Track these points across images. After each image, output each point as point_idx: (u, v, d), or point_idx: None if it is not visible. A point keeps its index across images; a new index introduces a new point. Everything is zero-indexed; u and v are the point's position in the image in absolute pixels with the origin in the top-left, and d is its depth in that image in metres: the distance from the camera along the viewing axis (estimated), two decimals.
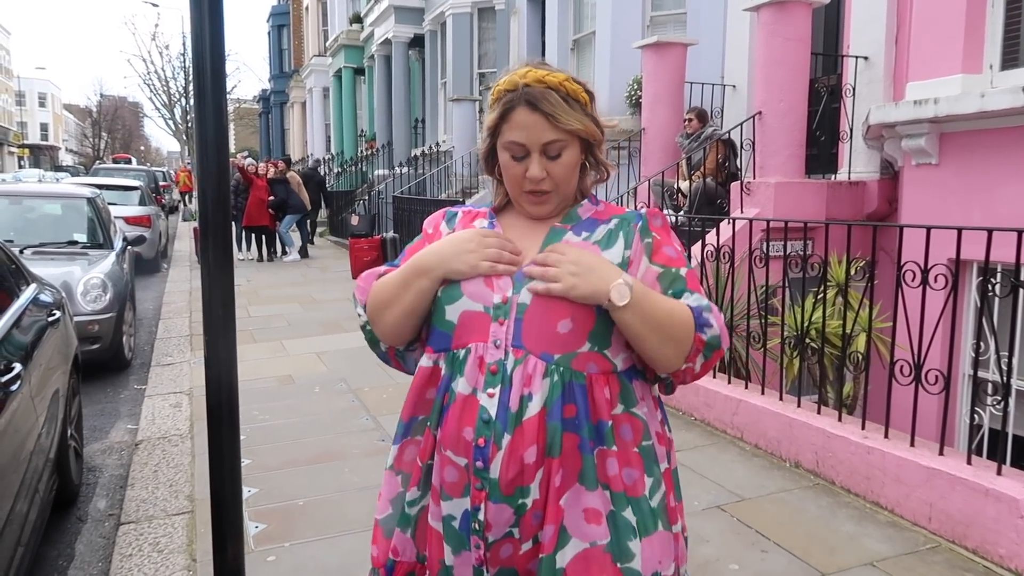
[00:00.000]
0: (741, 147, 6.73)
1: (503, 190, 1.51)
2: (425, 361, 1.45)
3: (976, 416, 4.26)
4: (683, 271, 1.41)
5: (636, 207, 7.52)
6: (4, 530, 2.29)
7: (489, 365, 1.36)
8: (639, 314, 1.31)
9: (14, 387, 2.63)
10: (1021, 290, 3.05)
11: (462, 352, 1.39)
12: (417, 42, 17.34)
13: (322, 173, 18.84)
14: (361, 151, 20.36)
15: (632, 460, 1.37)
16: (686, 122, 7.36)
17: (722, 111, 7.89)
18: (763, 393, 4.30)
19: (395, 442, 1.51)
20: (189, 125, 32.66)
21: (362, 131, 21.81)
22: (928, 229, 3.28)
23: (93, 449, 4.51)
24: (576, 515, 1.33)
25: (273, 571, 2.94)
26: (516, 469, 1.32)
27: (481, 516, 1.35)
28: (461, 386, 1.37)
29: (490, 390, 1.35)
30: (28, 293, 3.60)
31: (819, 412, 3.91)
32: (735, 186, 6.33)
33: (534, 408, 1.32)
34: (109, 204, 8.34)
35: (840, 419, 3.78)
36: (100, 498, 3.88)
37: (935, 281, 3.27)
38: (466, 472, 1.36)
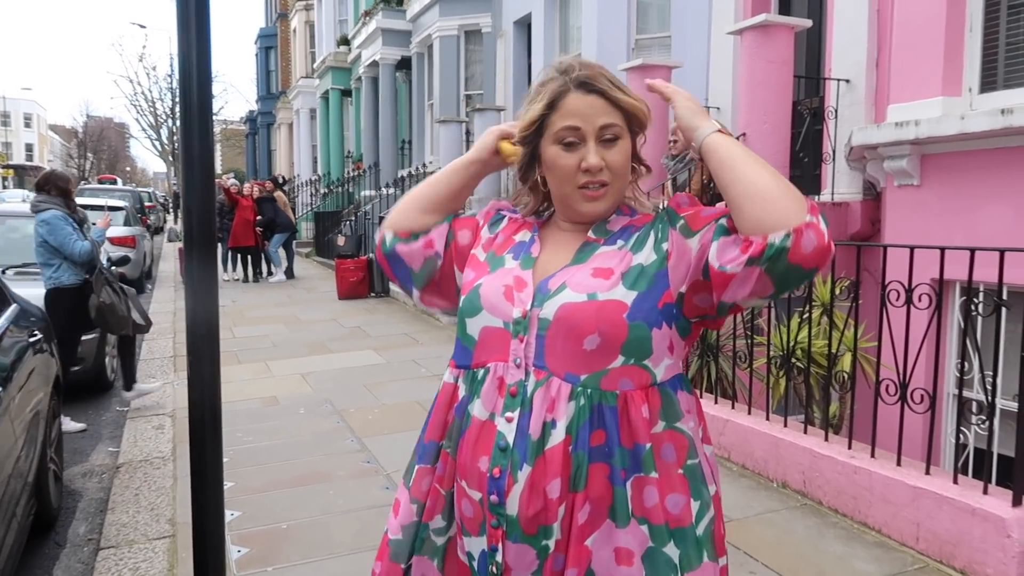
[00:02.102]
0: None
1: (535, 199, 1.42)
2: (448, 376, 1.36)
3: (961, 435, 4.28)
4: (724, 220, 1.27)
5: None
6: None
7: (509, 387, 1.24)
8: (734, 143, 1.25)
9: None
10: (1004, 309, 3.08)
11: (481, 372, 1.29)
12: (404, 64, 17.43)
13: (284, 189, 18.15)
14: (348, 172, 20.37)
15: (676, 484, 1.23)
16: (671, 143, 7.41)
17: None
18: (750, 413, 4.30)
19: (416, 462, 1.40)
20: (175, 146, 32.63)
21: (349, 152, 21.83)
22: (912, 249, 3.31)
23: (73, 472, 4.44)
24: (606, 557, 1.20)
25: None
26: (538, 505, 1.20)
27: (499, 558, 1.23)
28: (477, 410, 1.27)
29: (508, 414, 1.23)
30: (8, 314, 3.56)
31: (806, 432, 3.91)
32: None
33: (558, 436, 1.20)
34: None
35: (827, 439, 3.78)
36: (80, 522, 3.81)
37: (919, 300, 3.29)
38: (480, 508, 1.25)
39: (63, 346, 5.05)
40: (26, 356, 3.40)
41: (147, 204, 22.76)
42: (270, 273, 13.31)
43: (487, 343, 1.29)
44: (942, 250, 3.21)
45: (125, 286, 5.40)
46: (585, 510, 1.20)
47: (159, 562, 3.15)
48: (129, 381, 5.46)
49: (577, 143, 1.28)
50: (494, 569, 1.24)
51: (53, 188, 5.19)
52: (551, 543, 1.20)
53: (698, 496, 1.25)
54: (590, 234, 1.34)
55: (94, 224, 5.70)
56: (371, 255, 11.54)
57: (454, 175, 1.47)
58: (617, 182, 1.31)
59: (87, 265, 5.05)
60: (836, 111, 6.41)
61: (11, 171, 54.75)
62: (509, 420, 1.23)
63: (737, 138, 4.92)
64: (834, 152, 6.40)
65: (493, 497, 1.22)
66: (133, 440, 4.72)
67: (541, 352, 1.24)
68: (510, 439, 1.22)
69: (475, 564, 1.28)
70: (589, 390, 1.21)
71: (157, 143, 39.57)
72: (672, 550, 1.21)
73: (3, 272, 5.57)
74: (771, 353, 4.29)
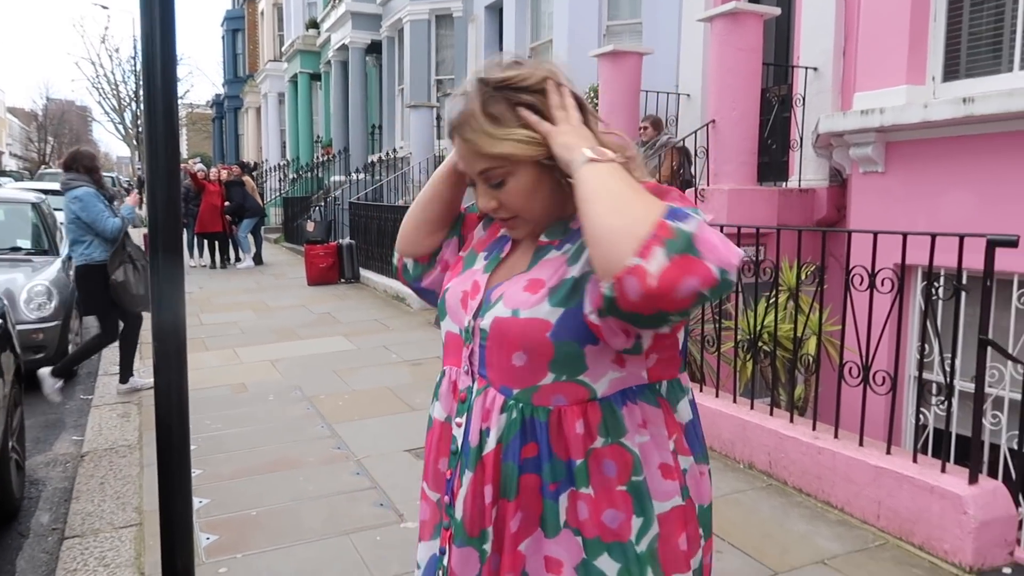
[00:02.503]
0: (695, 155, 6.83)
1: None
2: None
3: (921, 416, 4.38)
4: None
5: None
6: None
7: (460, 392, 1.26)
8: (597, 175, 1.09)
9: None
10: (963, 293, 3.15)
11: (440, 375, 1.32)
12: (374, 48, 17.26)
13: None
14: (317, 157, 20.15)
15: (616, 500, 1.18)
16: (641, 130, 7.45)
17: (677, 119, 8.01)
18: (717, 396, 4.36)
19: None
20: (139, 130, 31.97)
21: (318, 137, 21.61)
22: (875, 234, 3.37)
23: (36, 462, 4.37)
24: (537, 564, 1.21)
25: None
26: (478, 508, 1.22)
27: (446, 561, 1.24)
28: (437, 411, 1.30)
29: (458, 419, 1.26)
30: None
31: (772, 414, 3.98)
32: (689, 193, 6.43)
33: (490, 444, 1.21)
34: (55, 210, 8.10)
35: (792, 420, 3.85)
36: (43, 512, 3.75)
37: (882, 285, 3.35)
38: (438, 509, 1.28)
39: (102, 322, 5.18)
40: None
41: (111, 189, 22.31)
42: (238, 259, 13.15)
43: (449, 347, 1.31)
44: (904, 235, 3.28)
45: (146, 264, 5.42)
46: (517, 517, 1.21)
47: (126, 551, 3.11)
48: (125, 373, 5.40)
49: (475, 183, 1.26)
50: (441, 573, 1.26)
51: (80, 166, 5.23)
52: (488, 547, 1.22)
53: (641, 513, 1.19)
54: (543, 237, 1.27)
55: (124, 202, 5.79)
56: (340, 241, 11.45)
57: (442, 188, 1.42)
58: (525, 214, 1.24)
59: (114, 242, 5.12)
60: (804, 99, 6.48)
61: None
62: (459, 425, 1.26)
63: (707, 125, 4.90)
64: (801, 139, 6.49)
65: (446, 498, 1.26)
66: (98, 428, 4.65)
67: (483, 362, 1.24)
68: (459, 443, 1.25)
69: (423, 573, 1.30)
70: (521, 404, 1.19)
71: (120, 127, 38.75)
72: (607, 564, 1.18)
73: None
74: (738, 337, 4.34)
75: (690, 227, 1.01)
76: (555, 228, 1.26)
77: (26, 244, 6.72)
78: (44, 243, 6.80)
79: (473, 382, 1.25)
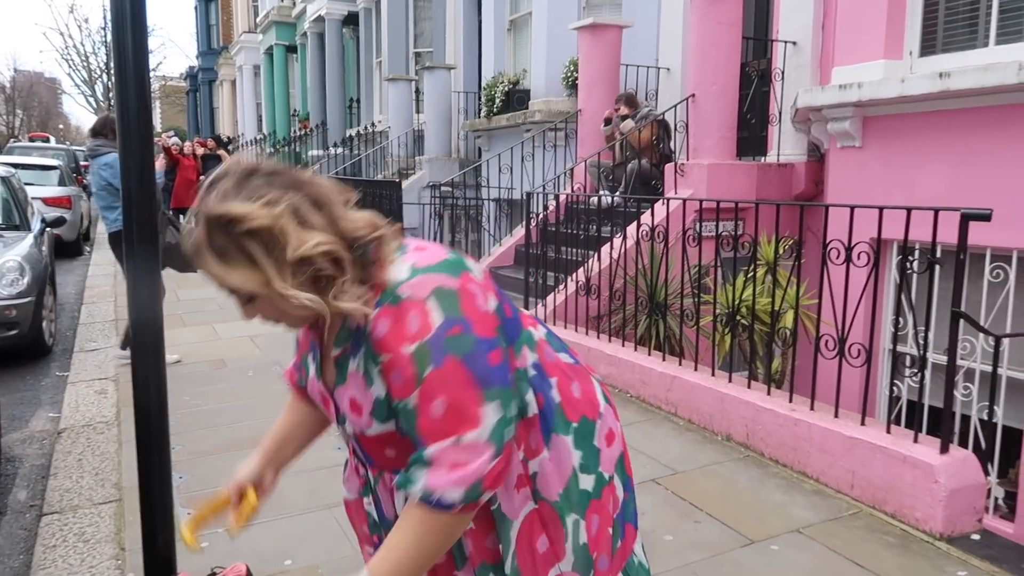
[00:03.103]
0: (675, 129, 6.83)
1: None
2: None
3: (895, 388, 4.46)
4: (412, 401, 1.17)
5: (572, 188, 7.60)
6: None
7: (361, 476, 1.46)
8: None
9: None
10: (937, 267, 3.20)
11: (345, 461, 1.54)
12: (352, 20, 17.00)
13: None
14: (294, 131, 19.90)
15: (487, 527, 1.35)
16: (616, 108, 7.40)
17: (656, 93, 7.99)
18: (696, 369, 4.41)
19: None
20: (111, 103, 31.35)
21: (295, 111, 21.32)
22: (852, 208, 3.40)
23: (12, 439, 4.33)
24: None
25: (206, 557, 2.87)
26: None
27: None
28: (346, 492, 1.54)
29: (367, 498, 1.47)
30: None
31: (749, 387, 4.04)
32: (669, 167, 6.43)
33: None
34: (26, 184, 7.95)
35: (769, 393, 3.90)
36: (20, 489, 3.72)
37: (858, 259, 3.39)
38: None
39: None
40: None
41: (83, 163, 21.90)
42: None
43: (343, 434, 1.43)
44: (880, 209, 3.31)
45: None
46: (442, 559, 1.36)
47: (105, 526, 3.11)
48: (127, 342, 5.37)
49: None
50: None
51: (110, 132, 5.21)
52: None
53: (503, 539, 1.33)
54: (334, 349, 1.32)
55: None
56: None
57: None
58: (286, 322, 1.29)
59: None
60: (783, 73, 6.49)
61: None
62: (369, 503, 1.47)
63: (687, 100, 4.88)
64: (780, 114, 6.50)
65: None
66: (75, 405, 4.61)
67: (366, 455, 1.40)
68: (376, 516, 1.46)
69: None
70: None
71: (92, 99, 38.04)
72: None
73: None
74: (717, 311, 4.38)
75: (450, 493, 1.15)
76: (340, 335, 1.30)
77: None
78: (15, 218, 6.68)
79: (366, 469, 1.43)
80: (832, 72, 5.45)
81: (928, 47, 5.02)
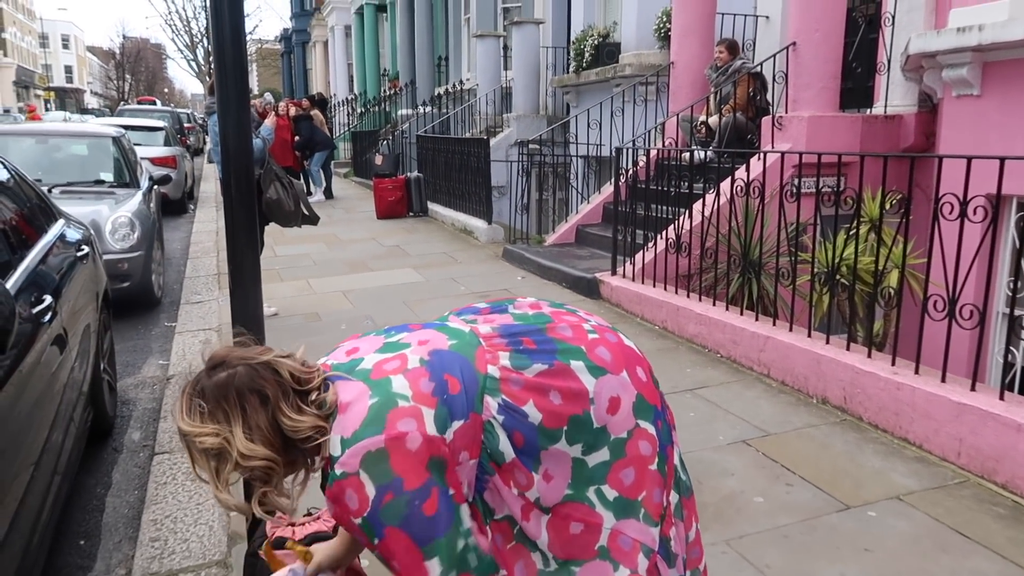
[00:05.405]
0: (773, 80, 6.52)
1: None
2: None
3: (1010, 354, 4.19)
4: (377, 554, 1.39)
5: (664, 143, 7.41)
6: (41, 459, 2.35)
7: None
8: None
9: (45, 319, 2.66)
10: None
11: None
12: None
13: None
14: (384, 91, 20.12)
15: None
16: (717, 54, 7.14)
17: (754, 44, 7.64)
18: (791, 330, 4.25)
19: None
20: (212, 67, 32.43)
21: (385, 70, 21.52)
22: (969, 160, 3.17)
23: (126, 384, 4.61)
24: None
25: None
26: None
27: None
28: None
29: None
30: (56, 229, 3.63)
31: (848, 349, 3.87)
32: (766, 120, 6.16)
33: None
34: (135, 145, 8.35)
35: (870, 355, 3.73)
36: (134, 430, 3.97)
37: (974, 214, 3.17)
38: None
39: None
40: (75, 270, 3.48)
41: (186, 125, 22.86)
42: (309, 192, 13.34)
43: None
44: (1002, 160, 3.07)
45: (293, 180, 5.80)
46: None
47: None
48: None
49: None
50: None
51: None
52: None
53: (535, 548, 1.50)
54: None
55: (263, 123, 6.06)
56: (408, 174, 11.50)
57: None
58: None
59: (259, 162, 5.36)
60: (893, 18, 6.06)
61: (52, 93, 55.29)
62: None
63: (786, 48, 4.65)
64: (889, 62, 6.10)
65: None
66: (182, 353, 4.86)
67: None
68: None
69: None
70: None
71: (193, 64, 39.46)
72: None
73: (49, 191, 5.67)
74: (815, 270, 4.20)
75: None
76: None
77: (108, 177, 6.95)
78: (126, 176, 7.02)
79: None
80: (949, 15, 5.06)
81: None
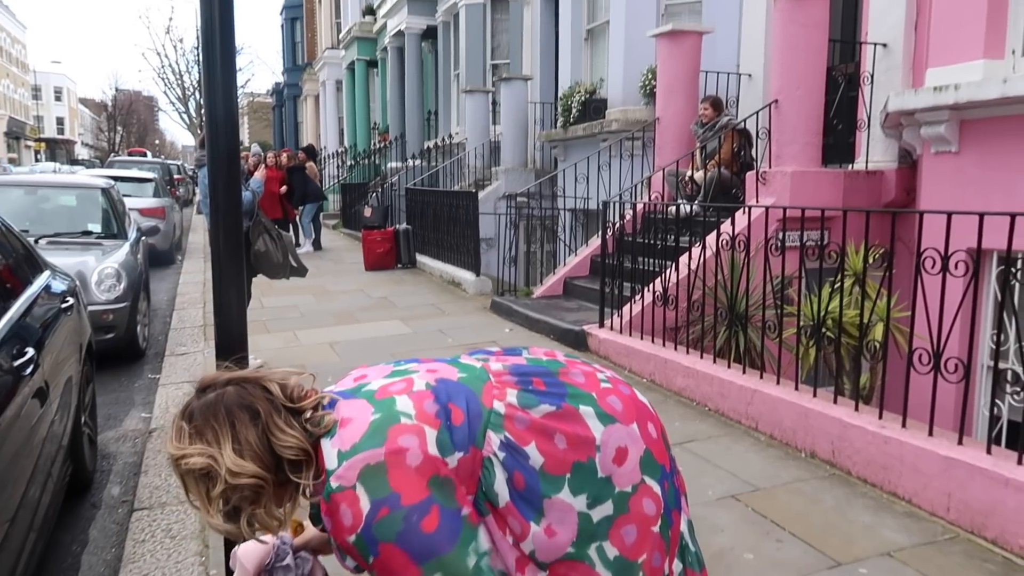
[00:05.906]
0: (757, 136, 6.66)
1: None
2: None
3: (996, 407, 4.20)
4: (371, 573, 1.36)
5: (650, 197, 7.50)
6: (17, 515, 2.30)
7: None
8: None
9: (27, 371, 2.63)
10: None
11: None
12: (430, 34, 17.29)
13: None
14: (374, 144, 20.36)
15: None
16: (702, 111, 7.29)
17: (737, 101, 7.81)
18: (778, 383, 4.26)
19: None
20: (203, 119, 32.78)
21: (375, 123, 21.80)
22: (949, 215, 3.23)
23: (107, 437, 4.54)
24: None
25: None
26: None
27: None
28: None
29: None
30: (41, 280, 3.61)
31: (835, 402, 3.87)
32: (750, 175, 6.27)
33: None
34: (124, 196, 8.37)
35: (857, 409, 3.73)
36: (114, 485, 3.89)
37: (955, 268, 3.21)
38: None
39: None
40: (59, 322, 3.45)
41: (176, 176, 22.98)
42: (298, 244, 13.36)
43: None
44: (981, 216, 3.13)
45: (282, 232, 5.82)
46: None
47: (191, 523, 3.21)
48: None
49: None
50: None
51: None
52: None
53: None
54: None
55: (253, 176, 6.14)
56: (397, 227, 11.56)
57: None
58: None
59: (248, 214, 5.42)
60: (872, 76, 6.24)
61: (43, 144, 55.58)
62: None
63: (769, 106, 4.76)
64: (869, 119, 6.25)
65: None
66: (165, 406, 4.80)
67: None
68: None
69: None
70: None
71: (185, 116, 39.89)
72: None
73: (36, 241, 5.65)
74: (801, 323, 4.23)
75: None
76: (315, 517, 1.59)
77: (96, 228, 6.95)
78: (113, 227, 7.02)
79: None
80: (926, 74, 5.21)
81: None
